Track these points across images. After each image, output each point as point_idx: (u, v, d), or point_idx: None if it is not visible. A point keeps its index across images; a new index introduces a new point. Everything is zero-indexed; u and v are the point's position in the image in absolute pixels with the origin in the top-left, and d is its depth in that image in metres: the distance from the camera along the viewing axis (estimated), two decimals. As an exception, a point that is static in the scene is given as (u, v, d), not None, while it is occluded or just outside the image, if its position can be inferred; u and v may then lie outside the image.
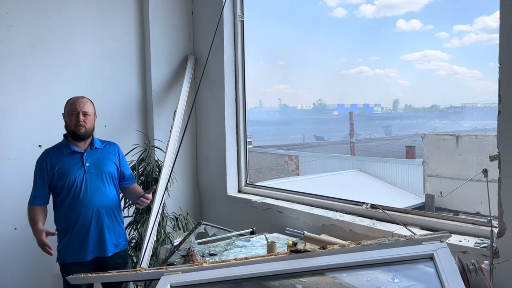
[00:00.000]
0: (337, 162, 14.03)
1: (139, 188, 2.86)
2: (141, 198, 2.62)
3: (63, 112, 2.62)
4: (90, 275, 2.31)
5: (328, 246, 2.02)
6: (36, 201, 2.54)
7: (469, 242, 2.30)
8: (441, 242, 1.89)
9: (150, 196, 2.66)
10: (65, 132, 2.65)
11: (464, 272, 1.81)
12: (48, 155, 2.58)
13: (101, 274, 2.32)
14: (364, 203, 2.98)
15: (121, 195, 2.86)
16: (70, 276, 2.28)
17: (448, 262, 1.76)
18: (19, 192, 2.66)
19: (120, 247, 2.69)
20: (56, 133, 2.83)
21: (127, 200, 3.31)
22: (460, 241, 2.32)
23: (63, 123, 2.63)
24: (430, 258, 1.83)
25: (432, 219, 2.62)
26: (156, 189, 2.82)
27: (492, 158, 2.17)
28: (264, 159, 15.40)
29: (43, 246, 2.46)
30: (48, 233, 2.47)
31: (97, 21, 3.61)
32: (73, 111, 2.55)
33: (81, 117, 2.53)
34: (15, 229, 3.23)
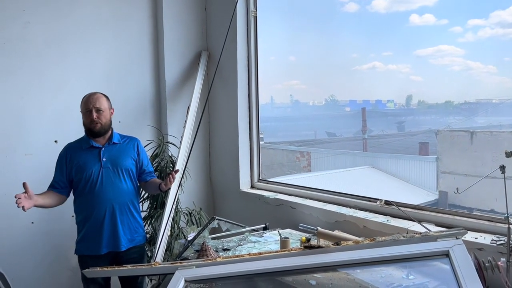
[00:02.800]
0: (349, 159, 13.93)
1: (158, 180, 2.84)
2: (168, 178, 2.61)
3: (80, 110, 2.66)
4: (106, 269, 2.35)
5: (342, 242, 2.01)
6: (52, 188, 2.62)
7: (485, 239, 2.28)
8: (456, 239, 1.86)
9: (175, 175, 2.65)
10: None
11: (480, 269, 1.79)
12: (68, 149, 2.66)
13: (116, 268, 2.35)
14: (377, 199, 2.97)
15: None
16: (86, 270, 2.32)
17: (464, 259, 1.74)
18: (36, 186, 2.69)
19: (135, 242, 2.70)
20: (72, 129, 2.87)
21: (143, 194, 3.34)
22: (476, 238, 2.30)
23: (79, 119, 2.66)
24: (446, 255, 1.80)
25: (447, 215, 2.60)
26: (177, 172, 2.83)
27: (508, 155, 2.14)
28: (275, 155, 15.36)
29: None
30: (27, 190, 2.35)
31: (111, 18, 3.64)
32: (86, 109, 2.58)
33: (94, 114, 2.55)
34: (32, 223, 3.28)
